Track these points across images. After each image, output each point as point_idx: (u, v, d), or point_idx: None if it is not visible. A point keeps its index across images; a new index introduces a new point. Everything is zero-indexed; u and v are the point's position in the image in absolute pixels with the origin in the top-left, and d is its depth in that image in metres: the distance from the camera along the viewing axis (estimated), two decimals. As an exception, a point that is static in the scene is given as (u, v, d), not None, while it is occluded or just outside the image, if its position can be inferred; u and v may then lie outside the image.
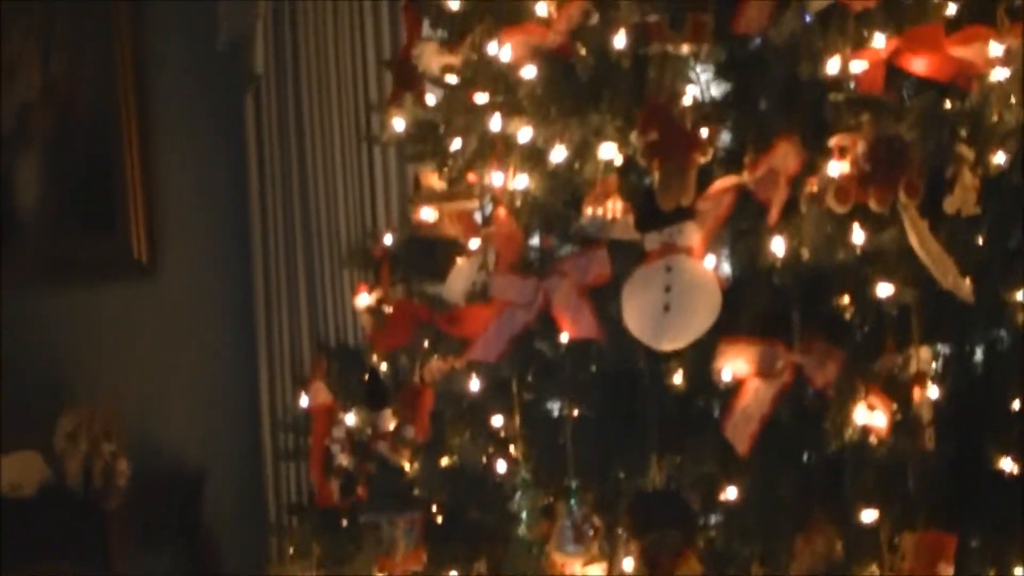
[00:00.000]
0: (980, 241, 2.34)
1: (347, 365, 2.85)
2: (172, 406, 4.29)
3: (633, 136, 2.31)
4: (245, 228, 4.12)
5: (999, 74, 2.29)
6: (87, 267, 4.36)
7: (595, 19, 2.45)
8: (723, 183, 2.30)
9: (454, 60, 2.70)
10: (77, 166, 4.31)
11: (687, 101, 2.40)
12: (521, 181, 2.53)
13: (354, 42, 4.03)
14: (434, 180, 2.82)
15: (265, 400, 4.08)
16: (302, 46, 4.06)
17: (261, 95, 4.09)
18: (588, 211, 2.38)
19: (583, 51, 2.42)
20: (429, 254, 2.78)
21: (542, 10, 2.54)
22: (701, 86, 2.51)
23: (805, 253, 2.22)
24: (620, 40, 2.36)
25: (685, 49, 2.39)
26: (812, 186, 2.26)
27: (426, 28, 2.88)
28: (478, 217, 2.74)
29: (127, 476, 4.00)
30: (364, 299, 2.86)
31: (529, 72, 2.43)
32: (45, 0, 4.30)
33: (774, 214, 2.24)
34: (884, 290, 2.19)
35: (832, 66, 2.29)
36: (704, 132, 2.35)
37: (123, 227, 4.28)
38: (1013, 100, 2.30)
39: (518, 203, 2.58)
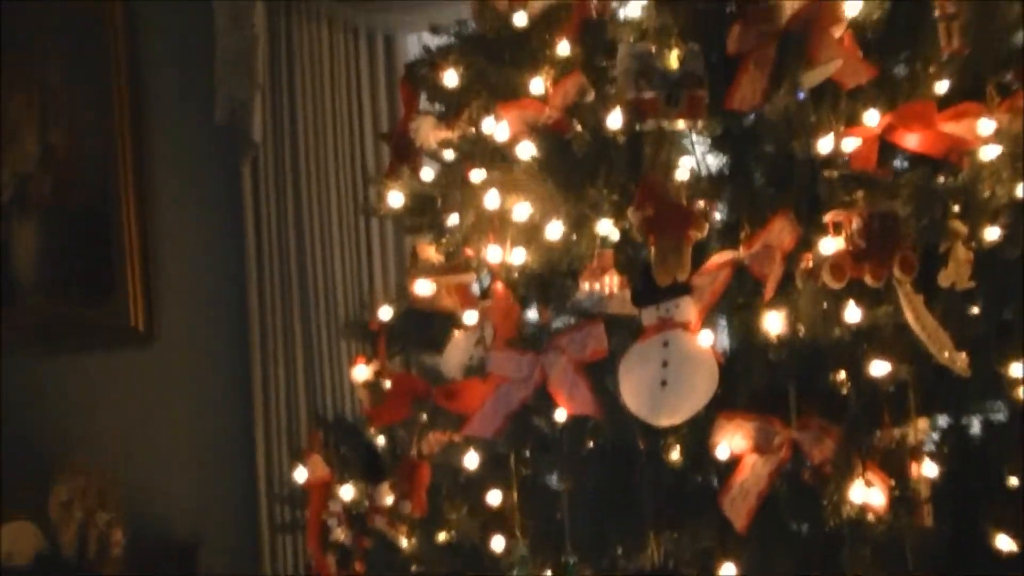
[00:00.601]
0: (975, 315, 2.35)
1: (344, 438, 2.84)
2: (168, 474, 4.27)
3: (629, 212, 2.32)
4: (242, 298, 4.13)
5: (990, 151, 2.31)
6: (84, 334, 4.36)
7: (591, 96, 2.47)
8: (719, 258, 2.31)
9: (451, 135, 2.73)
10: (75, 234, 4.33)
11: (683, 175, 2.42)
12: (518, 255, 2.55)
13: (351, 114, 4.07)
14: (431, 253, 2.83)
15: (262, 471, 4.06)
16: (300, 116, 4.09)
17: (259, 164, 4.12)
18: (585, 286, 2.39)
19: (579, 128, 2.43)
20: (426, 327, 2.78)
21: (538, 85, 2.57)
22: (697, 158, 2.54)
23: (801, 329, 2.23)
24: (616, 118, 2.39)
25: (681, 125, 2.41)
26: (807, 262, 2.28)
27: (423, 102, 2.90)
28: (475, 289, 2.75)
29: (122, 545, 3.98)
30: (361, 371, 2.85)
31: (525, 149, 2.45)
32: (44, 69, 4.33)
33: (769, 290, 2.25)
34: (880, 368, 2.19)
35: (826, 143, 2.32)
36: (700, 205, 2.37)
37: (120, 294, 4.28)
38: (1005, 175, 2.32)
39: (515, 275, 2.60)
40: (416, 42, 4.02)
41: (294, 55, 4.12)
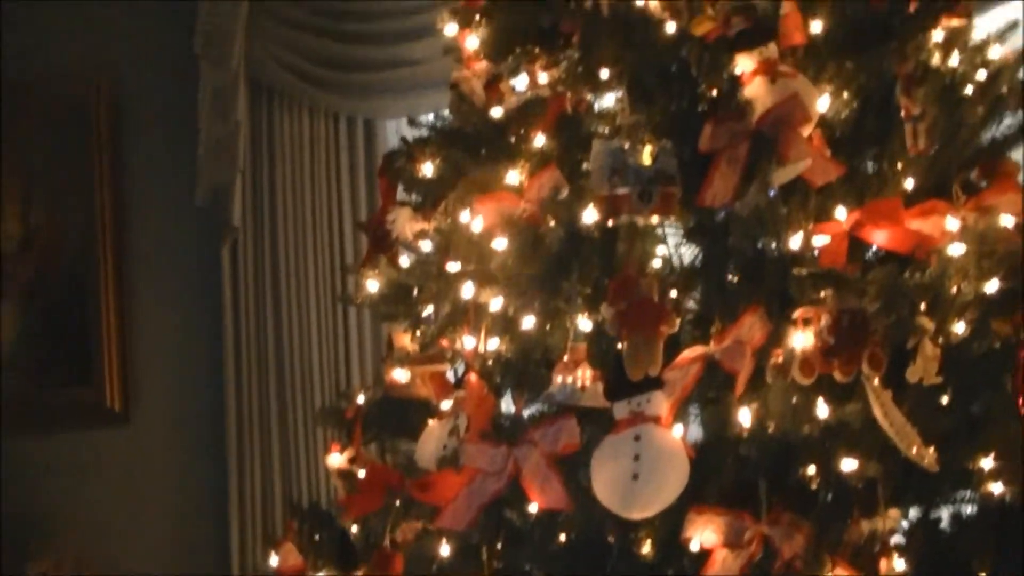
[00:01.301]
0: (944, 410, 2.38)
1: (318, 526, 2.84)
2: (142, 557, 4.24)
3: (603, 307, 2.35)
4: (219, 381, 4.14)
5: (956, 248, 2.36)
6: (61, 413, 4.35)
7: (565, 190, 2.51)
8: (690, 353, 2.34)
9: (427, 226, 2.76)
10: (54, 315, 4.34)
11: (656, 264, 2.46)
12: (493, 343, 2.57)
13: (331, 198, 4.11)
14: (407, 341, 2.85)
15: (235, 556, 4.04)
16: (280, 201, 4.13)
17: (238, 249, 4.14)
18: (558, 379, 2.41)
19: (553, 223, 2.47)
20: (401, 414, 2.79)
21: (514, 178, 2.61)
22: (669, 249, 2.58)
23: (771, 425, 2.25)
24: (590, 213, 2.43)
25: (654, 220, 2.45)
26: (777, 357, 2.30)
27: (401, 192, 2.94)
28: (451, 376, 2.77)
29: (95, 625, 3.95)
30: (336, 459, 2.86)
31: (500, 243, 2.48)
32: (27, 150, 4.36)
33: (740, 385, 2.28)
34: (848, 464, 2.21)
35: (796, 240, 2.36)
36: (673, 294, 2.40)
37: (98, 375, 4.29)
38: (971, 272, 2.36)
39: (490, 363, 2.62)
40: (396, 127, 4.09)
41: (275, 139, 4.17)
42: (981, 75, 2.57)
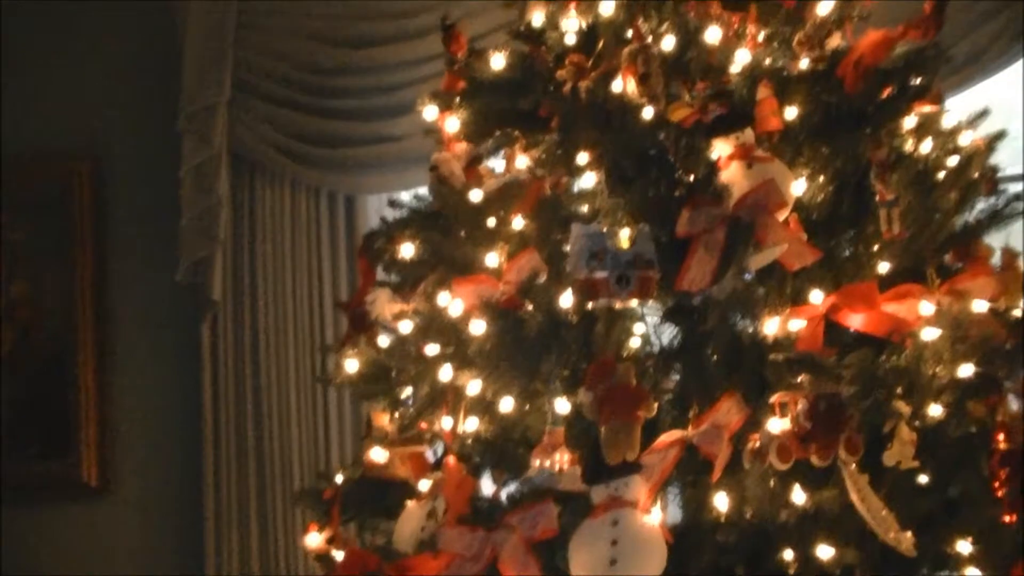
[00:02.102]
0: (921, 493, 2.39)
1: (296, 609, 2.82)
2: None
3: (581, 391, 2.35)
4: (198, 458, 4.10)
5: (931, 332, 2.37)
6: (37, 487, 4.31)
7: (544, 274, 2.53)
8: (668, 437, 2.35)
9: (407, 307, 2.77)
10: (34, 388, 4.32)
11: (634, 346, 2.48)
12: (471, 424, 2.57)
13: (312, 274, 4.10)
14: (385, 420, 2.85)
15: (213, 636, 4.00)
16: (260, 276, 4.12)
17: (218, 324, 4.13)
18: (536, 463, 2.41)
19: (531, 306, 2.48)
20: (380, 495, 2.78)
21: (492, 260, 2.62)
22: (649, 331, 2.59)
23: (748, 511, 2.26)
24: (568, 297, 2.44)
25: (632, 303, 2.47)
26: (754, 442, 2.31)
27: (380, 272, 2.94)
28: (430, 455, 2.77)
29: None
30: (314, 539, 2.85)
31: (479, 326, 2.48)
32: (9, 222, 4.36)
33: (718, 470, 2.29)
34: (826, 551, 2.21)
35: (772, 325, 2.38)
36: (651, 372, 2.41)
37: (75, 449, 4.26)
38: (946, 356, 2.38)
39: (468, 443, 2.62)
40: (378, 203, 4.10)
41: (256, 215, 4.17)
42: (953, 160, 2.61)
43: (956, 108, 2.79)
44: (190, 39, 4.16)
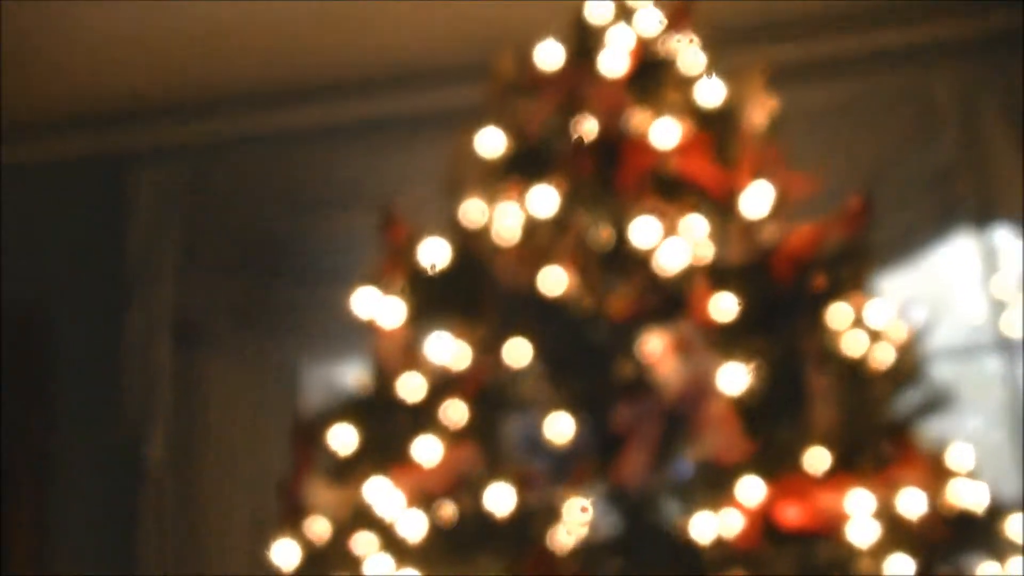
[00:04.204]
0: None
1: None
2: None
3: (519, 587, 2.33)
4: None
5: (868, 523, 2.37)
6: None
7: (480, 467, 2.51)
8: (607, 634, 2.32)
9: (341, 497, 2.73)
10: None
11: (571, 541, 2.45)
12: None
13: (254, 449, 4.05)
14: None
15: None
16: (200, 448, 4.07)
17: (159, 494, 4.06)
18: (474, 662, 2.37)
19: (468, 499, 2.46)
20: None
21: (429, 451, 2.59)
22: (586, 520, 2.56)
23: None
24: (505, 489, 2.42)
25: (570, 495, 2.46)
26: (693, 640, 2.29)
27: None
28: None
29: None
30: None
31: (414, 520, 2.46)
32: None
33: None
34: None
35: (707, 519, 2.37)
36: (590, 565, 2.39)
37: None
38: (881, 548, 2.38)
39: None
40: (324, 375, 4.08)
41: (198, 383, 4.14)
42: (884, 351, 2.64)
43: (892, 290, 2.84)
44: (139, 206, 4.19)
